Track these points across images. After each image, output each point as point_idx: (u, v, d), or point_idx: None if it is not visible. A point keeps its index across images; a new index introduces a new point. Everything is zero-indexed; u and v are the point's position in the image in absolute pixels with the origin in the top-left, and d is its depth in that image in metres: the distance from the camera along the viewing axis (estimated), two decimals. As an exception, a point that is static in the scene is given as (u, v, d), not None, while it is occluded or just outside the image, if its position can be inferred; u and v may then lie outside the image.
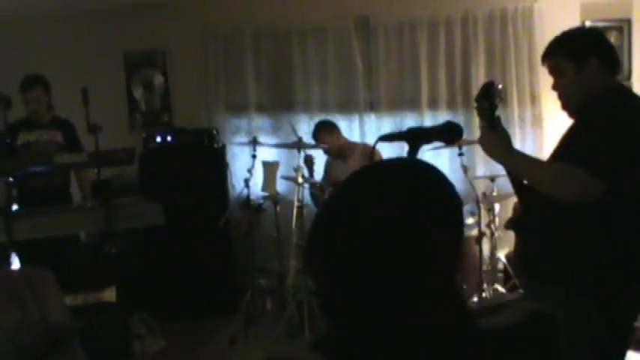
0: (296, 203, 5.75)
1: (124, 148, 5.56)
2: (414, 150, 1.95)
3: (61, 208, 5.64)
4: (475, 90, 6.75)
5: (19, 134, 5.83)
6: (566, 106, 3.09)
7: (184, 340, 5.96)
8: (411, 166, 1.40)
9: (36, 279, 3.46)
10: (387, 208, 1.23)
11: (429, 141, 2.06)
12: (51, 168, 5.60)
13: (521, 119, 6.82)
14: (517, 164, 3.03)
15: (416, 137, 1.98)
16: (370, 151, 6.50)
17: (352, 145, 6.66)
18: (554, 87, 3.09)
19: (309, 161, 6.35)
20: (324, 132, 6.54)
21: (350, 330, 1.34)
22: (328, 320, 1.42)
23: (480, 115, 3.05)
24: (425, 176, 1.35)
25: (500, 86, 2.99)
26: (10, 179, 5.20)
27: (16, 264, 5.41)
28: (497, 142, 3.00)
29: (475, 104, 3.06)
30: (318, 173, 6.70)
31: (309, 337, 5.53)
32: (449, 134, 2.11)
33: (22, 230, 4.93)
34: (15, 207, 5.14)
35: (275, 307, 6.10)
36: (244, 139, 7.32)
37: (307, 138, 6.37)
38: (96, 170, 5.15)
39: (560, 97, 3.09)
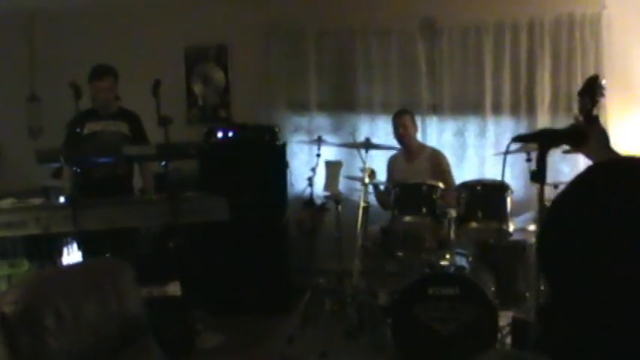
0: (362, 204, 5.70)
1: (193, 142, 5.55)
2: (543, 151, 1.87)
3: (127, 199, 5.64)
4: (539, 96, 6.77)
5: (86, 124, 5.82)
6: None
7: (241, 337, 5.94)
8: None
9: (116, 270, 3.43)
10: (630, 205, 1.19)
11: (558, 143, 2.00)
12: (117, 159, 5.60)
13: (586, 126, 6.71)
14: None
15: (546, 139, 1.90)
16: (437, 156, 6.45)
17: (421, 146, 6.61)
18: None
19: (370, 175, 6.22)
20: (409, 117, 6.49)
21: (581, 332, 1.28)
22: (553, 322, 1.36)
23: (580, 109, 2.95)
24: None
25: (604, 82, 2.90)
26: (77, 169, 5.20)
27: (75, 254, 5.43)
28: (594, 138, 2.90)
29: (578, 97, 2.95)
30: (380, 175, 6.62)
31: (368, 338, 5.49)
32: (576, 138, 2.05)
33: (88, 220, 4.92)
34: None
35: (334, 307, 6.05)
36: (304, 137, 7.32)
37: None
38: (163, 163, 5.10)
39: None
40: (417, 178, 5.91)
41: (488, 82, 6.98)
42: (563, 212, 1.25)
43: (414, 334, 4.98)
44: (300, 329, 5.80)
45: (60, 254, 5.61)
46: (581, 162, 6.48)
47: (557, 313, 1.28)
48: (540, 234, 1.30)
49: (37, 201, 5.39)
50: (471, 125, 7.13)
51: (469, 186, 5.45)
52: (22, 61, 8.07)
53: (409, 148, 6.48)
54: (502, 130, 7.00)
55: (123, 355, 3.18)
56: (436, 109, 7.21)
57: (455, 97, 7.13)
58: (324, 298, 6.20)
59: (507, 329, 5.06)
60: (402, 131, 6.42)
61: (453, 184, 6.06)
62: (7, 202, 5.17)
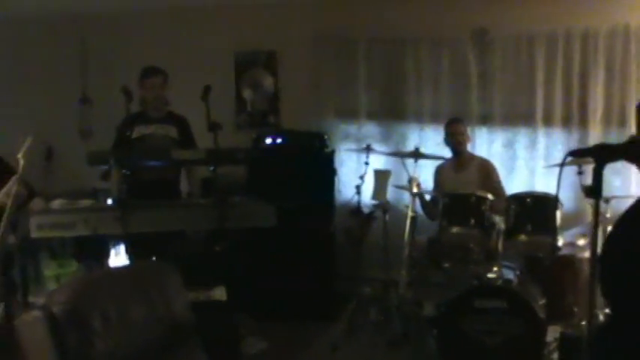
0: (410, 214, 5.67)
1: (242, 148, 5.54)
2: (600, 166, 1.83)
3: (174, 203, 5.65)
4: (592, 108, 6.68)
5: (135, 127, 5.86)
6: None
7: (285, 343, 5.93)
8: None
9: (163, 274, 3.45)
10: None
11: (615, 158, 1.96)
12: (167, 162, 5.63)
13: (640, 141, 6.57)
14: None
15: (603, 153, 1.86)
16: (487, 166, 6.39)
17: (471, 156, 6.56)
18: None
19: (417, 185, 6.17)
20: (462, 124, 6.47)
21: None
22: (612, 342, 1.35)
23: (638, 123, 2.89)
24: None
25: None
26: (126, 172, 5.23)
27: (122, 256, 5.47)
28: None
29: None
30: (426, 184, 6.57)
31: (412, 349, 5.45)
32: (635, 153, 2.00)
33: (135, 223, 4.93)
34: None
35: (379, 316, 6.02)
36: (352, 145, 7.31)
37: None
38: (211, 168, 5.10)
39: None
40: (466, 188, 5.87)
41: (540, 93, 6.89)
42: (625, 235, 1.23)
43: (459, 346, 4.94)
44: (345, 338, 5.78)
45: (107, 255, 5.67)
46: (633, 176, 6.39)
47: (617, 334, 1.25)
48: (602, 256, 1.27)
49: (86, 202, 5.43)
50: (522, 137, 7.04)
51: (519, 198, 5.39)
52: (74, 64, 8.18)
53: (460, 158, 6.44)
54: (553, 142, 6.91)
55: (168, 358, 3.20)
56: (486, 120, 7.13)
57: (505, 108, 7.04)
58: (370, 307, 6.17)
59: (554, 344, 4.99)
60: (460, 139, 6.39)
61: (503, 195, 5.99)
62: (57, 203, 5.22)
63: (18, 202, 3.97)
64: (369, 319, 6.06)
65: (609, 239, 1.26)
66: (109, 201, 5.41)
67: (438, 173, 6.64)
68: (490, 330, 4.84)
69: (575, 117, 6.84)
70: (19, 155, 4.07)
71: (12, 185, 4.02)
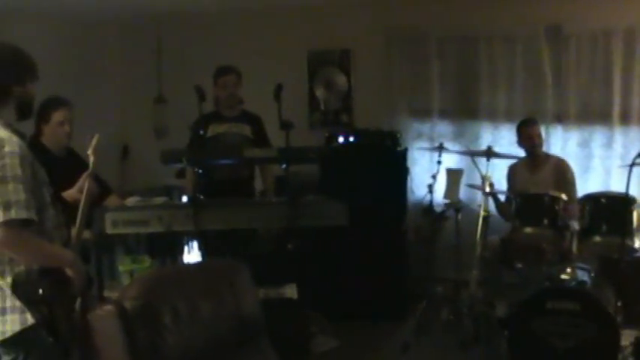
0: (482, 213, 5.62)
1: (314, 146, 5.54)
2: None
3: (247, 201, 5.71)
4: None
5: (210, 126, 5.94)
6: None
7: (355, 342, 5.95)
8: None
9: (233, 271, 3.50)
10: None
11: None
12: (239, 161, 5.69)
13: None
14: None
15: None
16: (562, 165, 6.29)
17: (546, 156, 6.45)
18: None
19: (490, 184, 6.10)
20: (536, 126, 6.36)
21: None
22: None
23: None
24: None
25: None
26: (199, 170, 5.29)
27: (195, 253, 5.55)
28: None
29: None
30: (499, 184, 6.49)
31: (483, 350, 5.42)
32: None
33: (208, 220, 4.98)
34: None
35: (450, 316, 5.99)
36: (425, 144, 7.28)
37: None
38: (283, 166, 5.13)
39: None
40: (540, 188, 5.81)
41: (617, 91, 6.72)
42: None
43: (530, 348, 4.89)
44: (416, 337, 5.77)
45: (181, 252, 5.75)
46: None
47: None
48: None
49: (160, 200, 5.52)
50: (598, 135, 6.89)
51: (593, 198, 5.31)
52: (150, 64, 8.31)
53: (535, 158, 6.36)
54: (630, 140, 6.71)
55: (237, 355, 3.25)
56: (561, 118, 6.99)
57: (581, 106, 6.90)
58: (441, 306, 6.15)
59: (630, 349, 4.89)
60: (538, 141, 6.30)
61: (575, 196, 5.91)
62: (132, 200, 5.33)
63: (91, 198, 4.05)
64: (440, 319, 6.04)
65: None
66: (184, 199, 5.49)
67: (512, 173, 6.55)
68: (562, 332, 4.77)
69: (654, 115, 6.69)
70: (89, 152, 4.17)
71: (83, 181, 4.11)
